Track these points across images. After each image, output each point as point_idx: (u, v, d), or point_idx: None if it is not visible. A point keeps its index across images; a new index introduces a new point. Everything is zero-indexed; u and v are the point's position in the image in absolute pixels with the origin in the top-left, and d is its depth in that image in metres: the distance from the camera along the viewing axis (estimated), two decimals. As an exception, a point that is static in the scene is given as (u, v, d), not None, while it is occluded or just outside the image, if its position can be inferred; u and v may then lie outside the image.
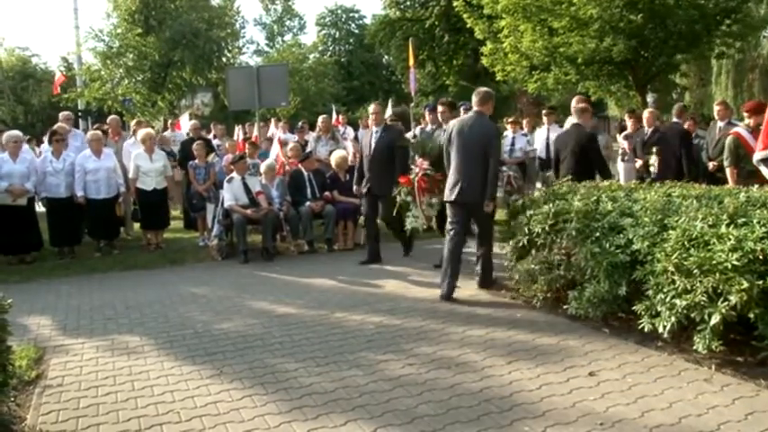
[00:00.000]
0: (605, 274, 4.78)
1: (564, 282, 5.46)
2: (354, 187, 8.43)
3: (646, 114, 9.65)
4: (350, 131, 15.39)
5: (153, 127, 13.93)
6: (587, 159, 7.09)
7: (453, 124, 6.61)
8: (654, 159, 8.73)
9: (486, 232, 6.48)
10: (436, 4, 31.04)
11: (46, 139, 10.28)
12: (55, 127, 9.62)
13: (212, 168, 9.75)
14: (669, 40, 14.87)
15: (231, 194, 8.70)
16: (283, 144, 10.64)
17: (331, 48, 52.50)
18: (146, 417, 3.85)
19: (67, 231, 9.08)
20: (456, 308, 5.94)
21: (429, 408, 3.78)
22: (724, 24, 15.10)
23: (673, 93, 23.71)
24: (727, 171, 7.47)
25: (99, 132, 9.83)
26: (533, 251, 5.71)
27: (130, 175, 9.46)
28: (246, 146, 10.78)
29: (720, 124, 8.96)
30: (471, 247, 6.71)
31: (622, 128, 12.16)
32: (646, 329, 4.41)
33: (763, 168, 6.01)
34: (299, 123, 13.68)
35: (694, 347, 4.11)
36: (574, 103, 7.73)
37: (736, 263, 3.87)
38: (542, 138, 10.91)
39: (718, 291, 3.93)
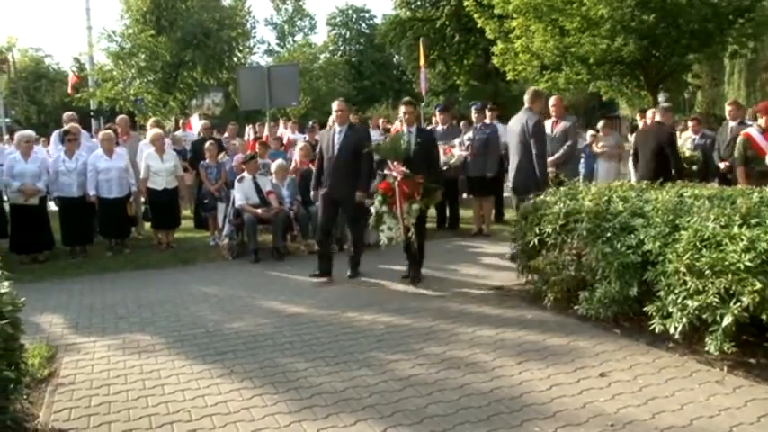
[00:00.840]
0: (616, 274, 4.76)
1: (574, 282, 5.44)
2: (312, 192, 7.84)
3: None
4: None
5: (164, 127, 14.00)
6: (665, 157, 7.60)
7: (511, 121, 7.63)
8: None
9: None
10: (447, 4, 31.04)
11: (52, 138, 10.35)
12: (68, 127, 9.68)
13: (223, 168, 9.79)
14: (681, 39, 14.80)
15: (242, 194, 8.72)
16: (291, 144, 10.66)
17: (341, 47, 52.57)
18: (156, 415, 3.87)
19: (79, 231, 9.14)
20: (466, 308, 5.93)
21: (439, 408, 3.78)
22: (737, 23, 15.00)
23: (685, 92, 23.59)
24: (737, 171, 7.49)
25: (111, 132, 9.88)
26: (544, 251, 5.69)
27: (141, 174, 9.52)
28: (257, 145, 10.81)
29: (732, 124, 8.90)
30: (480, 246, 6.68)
31: (633, 128, 12.11)
32: (657, 330, 4.38)
33: None
34: (310, 123, 13.71)
35: (706, 349, 4.08)
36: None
37: (748, 263, 3.85)
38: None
39: (731, 292, 3.91)
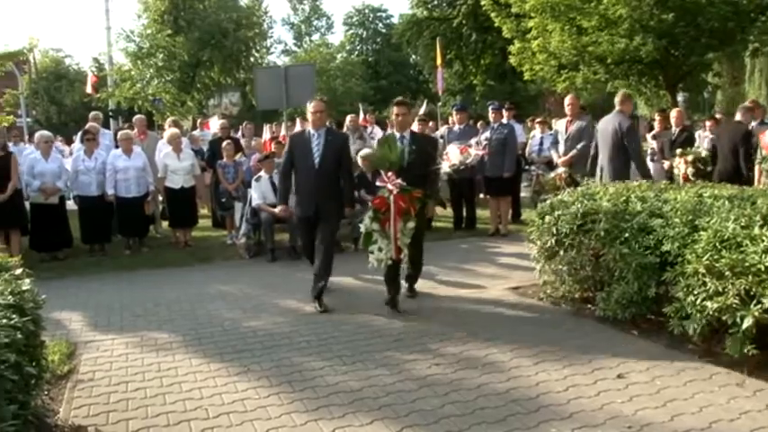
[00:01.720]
0: (634, 275, 4.73)
1: (592, 283, 5.40)
2: (279, 207, 6.75)
3: (673, 114, 9.53)
4: (377, 131, 15.40)
5: (182, 127, 14.09)
6: (739, 156, 7.80)
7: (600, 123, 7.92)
8: (678, 161, 8.62)
9: None
10: (463, 3, 30.99)
11: (77, 138, 10.45)
12: (87, 126, 9.78)
13: (240, 167, 9.84)
14: (701, 38, 14.66)
15: (259, 193, 8.76)
16: None
17: (358, 47, 52.65)
18: (174, 413, 3.90)
19: (98, 229, 9.22)
20: (483, 308, 5.91)
21: (455, 408, 3.77)
22: (759, 21, 14.81)
23: (704, 92, 23.35)
24: (756, 171, 7.49)
25: (129, 132, 9.98)
26: (561, 252, 5.66)
27: (159, 173, 9.59)
28: (273, 145, 10.85)
29: (753, 124, 8.80)
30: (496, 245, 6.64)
31: (651, 127, 12.01)
32: (675, 332, 4.35)
33: None
34: (327, 123, 13.71)
35: (726, 351, 4.04)
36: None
37: (769, 264, 3.80)
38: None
39: (751, 293, 3.86)
